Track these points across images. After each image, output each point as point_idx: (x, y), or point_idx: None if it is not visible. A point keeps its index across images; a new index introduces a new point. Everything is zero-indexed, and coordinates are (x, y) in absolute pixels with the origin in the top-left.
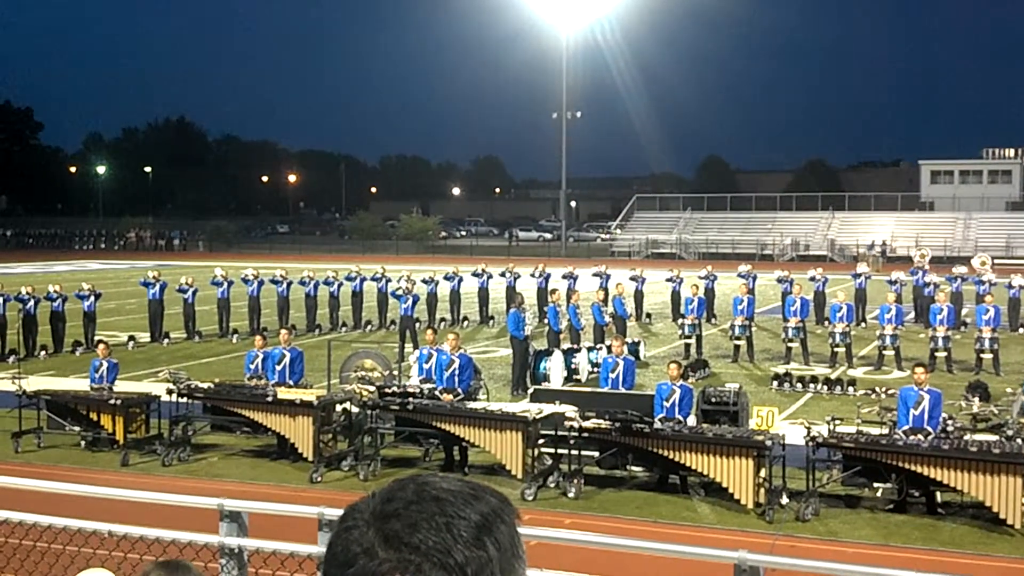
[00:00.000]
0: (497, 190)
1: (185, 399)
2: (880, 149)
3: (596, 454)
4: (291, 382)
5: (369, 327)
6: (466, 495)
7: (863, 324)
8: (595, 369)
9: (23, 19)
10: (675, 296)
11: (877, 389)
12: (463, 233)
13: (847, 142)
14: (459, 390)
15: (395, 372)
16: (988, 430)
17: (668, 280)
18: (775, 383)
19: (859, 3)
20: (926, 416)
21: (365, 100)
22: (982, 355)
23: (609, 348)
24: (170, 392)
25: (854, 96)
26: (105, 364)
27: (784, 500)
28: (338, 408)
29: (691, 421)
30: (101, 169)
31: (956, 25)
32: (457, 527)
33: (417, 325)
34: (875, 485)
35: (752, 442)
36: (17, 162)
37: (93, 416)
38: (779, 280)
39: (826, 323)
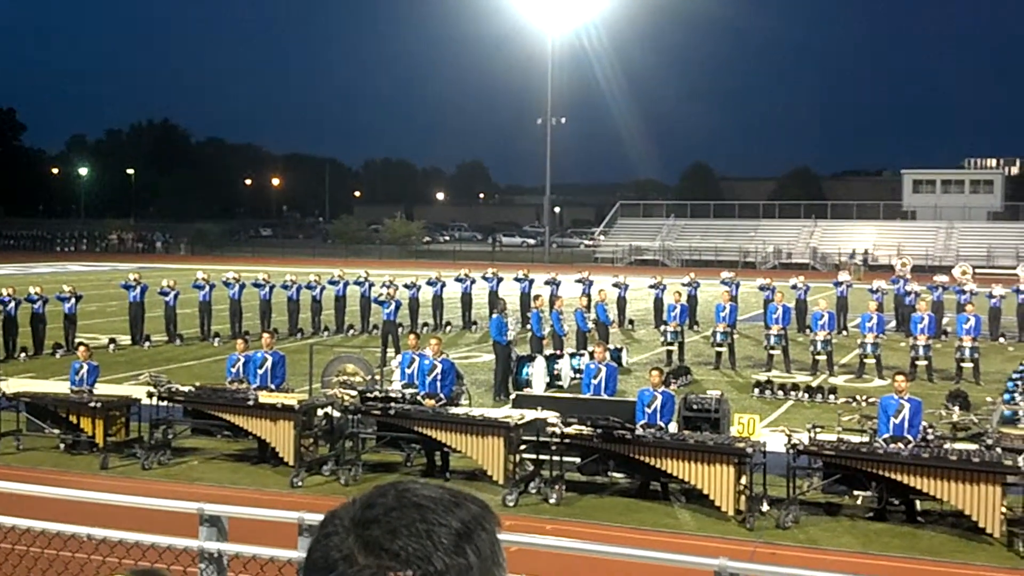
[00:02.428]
0: (481, 195)
1: (166, 402)
2: (863, 158)
3: (578, 460)
4: (273, 386)
5: (351, 331)
6: (447, 502)
7: (844, 332)
8: (577, 375)
9: (5, 20)
10: (658, 303)
11: (858, 397)
12: (447, 238)
13: (831, 151)
14: (441, 395)
15: (377, 377)
16: (968, 439)
17: (651, 287)
18: (757, 390)
19: (844, 12)
20: (906, 424)
21: (349, 104)
22: (962, 364)
23: (591, 354)
24: (151, 395)
25: (838, 105)
26: (85, 366)
27: (765, 507)
28: (319, 412)
29: (672, 428)
30: (83, 171)
31: (940, 35)
32: (437, 534)
33: (400, 330)
34: (855, 493)
35: (733, 449)
36: None
37: (73, 419)
38: (761, 288)
39: (808, 331)
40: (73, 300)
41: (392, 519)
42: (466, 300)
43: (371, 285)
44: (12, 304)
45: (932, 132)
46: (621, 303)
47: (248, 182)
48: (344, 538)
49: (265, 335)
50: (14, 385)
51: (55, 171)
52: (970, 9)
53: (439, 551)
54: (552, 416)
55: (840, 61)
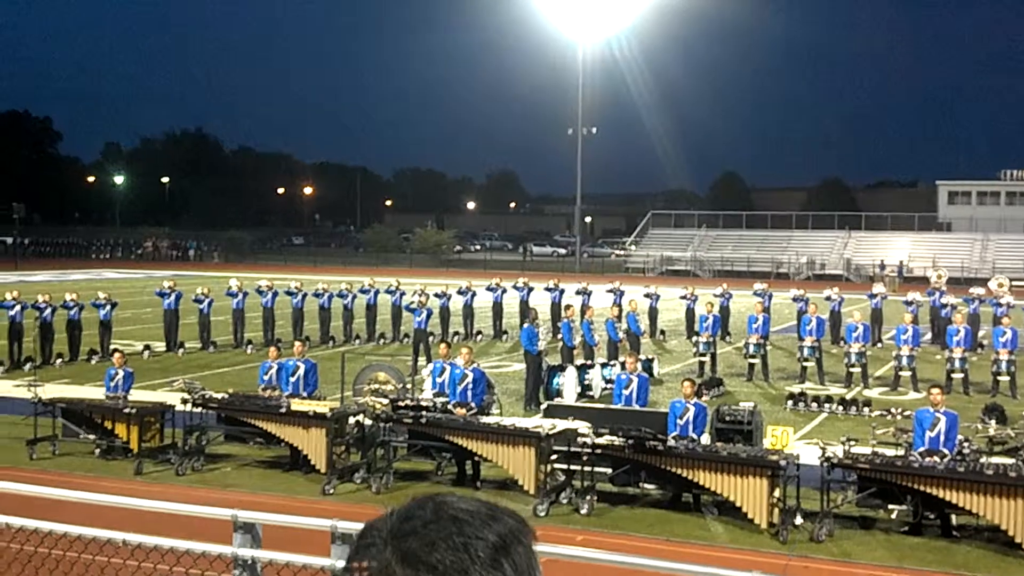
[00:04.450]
0: (512, 205)
1: (199, 409)
2: (898, 169)
3: (609, 471)
4: (305, 394)
5: (383, 340)
6: (484, 515)
7: (879, 344)
8: (608, 385)
9: (42, 29)
10: (690, 313)
11: (893, 410)
12: (477, 247)
13: (864, 161)
14: (472, 404)
15: (408, 385)
16: (1004, 453)
17: (683, 297)
18: (790, 402)
19: (879, 22)
20: (942, 438)
21: (381, 113)
22: (999, 377)
23: (623, 365)
24: (184, 402)
25: (872, 115)
26: (120, 373)
27: (798, 520)
28: (351, 420)
29: (705, 439)
30: (119, 179)
31: (976, 45)
32: (475, 547)
33: (431, 339)
34: (890, 507)
35: (766, 461)
36: (35, 171)
37: (108, 424)
38: (795, 299)
39: (842, 343)
40: (108, 307)
41: (430, 532)
42: (497, 309)
43: (402, 294)
44: (48, 311)
45: (968, 143)
46: (652, 313)
47: (280, 191)
48: (382, 549)
49: (297, 343)
50: (50, 391)
51: (90, 179)
52: (1008, 18)
53: (476, 565)
54: (583, 426)
55: (874, 70)
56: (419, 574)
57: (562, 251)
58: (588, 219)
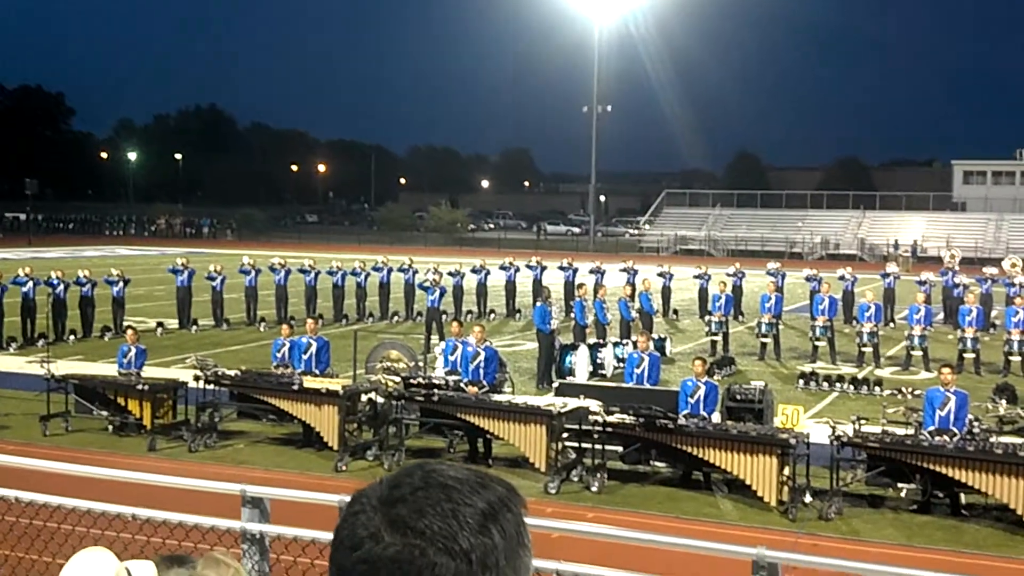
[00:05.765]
0: (526, 183)
1: (212, 386)
2: (913, 148)
3: (620, 449)
4: (317, 371)
5: (396, 318)
6: (473, 483)
7: (891, 324)
8: (620, 364)
9: (55, 4)
10: (702, 293)
11: (903, 389)
12: (491, 226)
13: (880, 140)
14: (484, 382)
15: (421, 363)
16: (1014, 432)
17: (696, 277)
18: (801, 382)
19: (895, 1)
20: (952, 417)
21: (396, 91)
22: (1010, 357)
23: (635, 344)
24: (197, 379)
25: (888, 94)
26: (133, 350)
27: (807, 499)
28: (363, 398)
29: (716, 418)
30: (132, 155)
31: (994, 25)
32: (463, 514)
33: (444, 317)
34: (899, 485)
35: (776, 440)
36: (48, 147)
37: (121, 401)
38: (808, 278)
39: (854, 322)
40: (121, 284)
41: (418, 498)
42: (510, 288)
43: (415, 272)
44: (61, 287)
45: (984, 122)
46: (666, 293)
47: (294, 168)
48: (371, 516)
49: (310, 320)
50: (63, 367)
51: (103, 155)
52: None
53: (464, 530)
54: (595, 405)
55: (890, 49)
56: (408, 540)
57: (576, 230)
58: (603, 198)
